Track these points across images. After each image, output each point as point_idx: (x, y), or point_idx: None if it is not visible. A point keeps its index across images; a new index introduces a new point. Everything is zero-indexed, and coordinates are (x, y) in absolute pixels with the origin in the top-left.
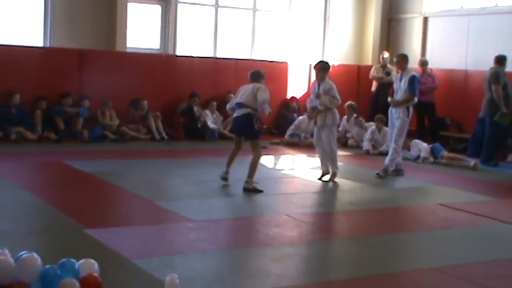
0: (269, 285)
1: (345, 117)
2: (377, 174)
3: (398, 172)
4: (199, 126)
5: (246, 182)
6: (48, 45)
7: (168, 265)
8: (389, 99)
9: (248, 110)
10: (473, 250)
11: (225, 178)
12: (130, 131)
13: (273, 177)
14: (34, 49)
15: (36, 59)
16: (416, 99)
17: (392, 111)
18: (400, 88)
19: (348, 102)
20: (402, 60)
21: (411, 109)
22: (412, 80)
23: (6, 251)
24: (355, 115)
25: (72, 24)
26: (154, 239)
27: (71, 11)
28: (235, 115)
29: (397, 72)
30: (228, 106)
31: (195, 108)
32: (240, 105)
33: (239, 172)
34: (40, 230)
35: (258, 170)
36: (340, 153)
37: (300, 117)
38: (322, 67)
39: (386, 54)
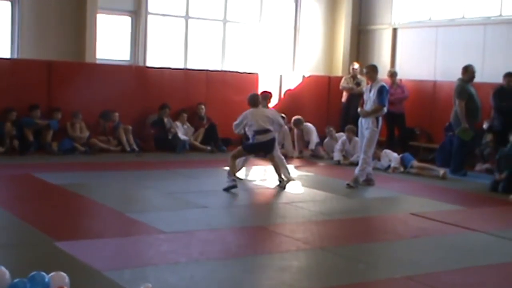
0: None
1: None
2: (348, 184)
3: (368, 182)
4: (169, 137)
5: (282, 180)
6: (15, 56)
7: (140, 277)
8: (359, 109)
9: (274, 134)
10: (444, 259)
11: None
12: (100, 143)
13: (244, 188)
14: (1, 60)
15: (4, 70)
16: (385, 109)
17: (362, 122)
18: (369, 98)
19: (295, 117)
20: (372, 71)
21: (380, 119)
22: (381, 91)
23: None
24: (303, 124)
25: (40, 35)
26: (125, 251)
27: (39, 22)
28: (263, 140)
29: (367, 83)
30: (239, 127)
31: (166, 120)
32: (266, 130)
33: (207, 185)
34: (9, 243)
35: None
36: (305, 163)
37: None
38: (265, 97)
39: (356, 65)
